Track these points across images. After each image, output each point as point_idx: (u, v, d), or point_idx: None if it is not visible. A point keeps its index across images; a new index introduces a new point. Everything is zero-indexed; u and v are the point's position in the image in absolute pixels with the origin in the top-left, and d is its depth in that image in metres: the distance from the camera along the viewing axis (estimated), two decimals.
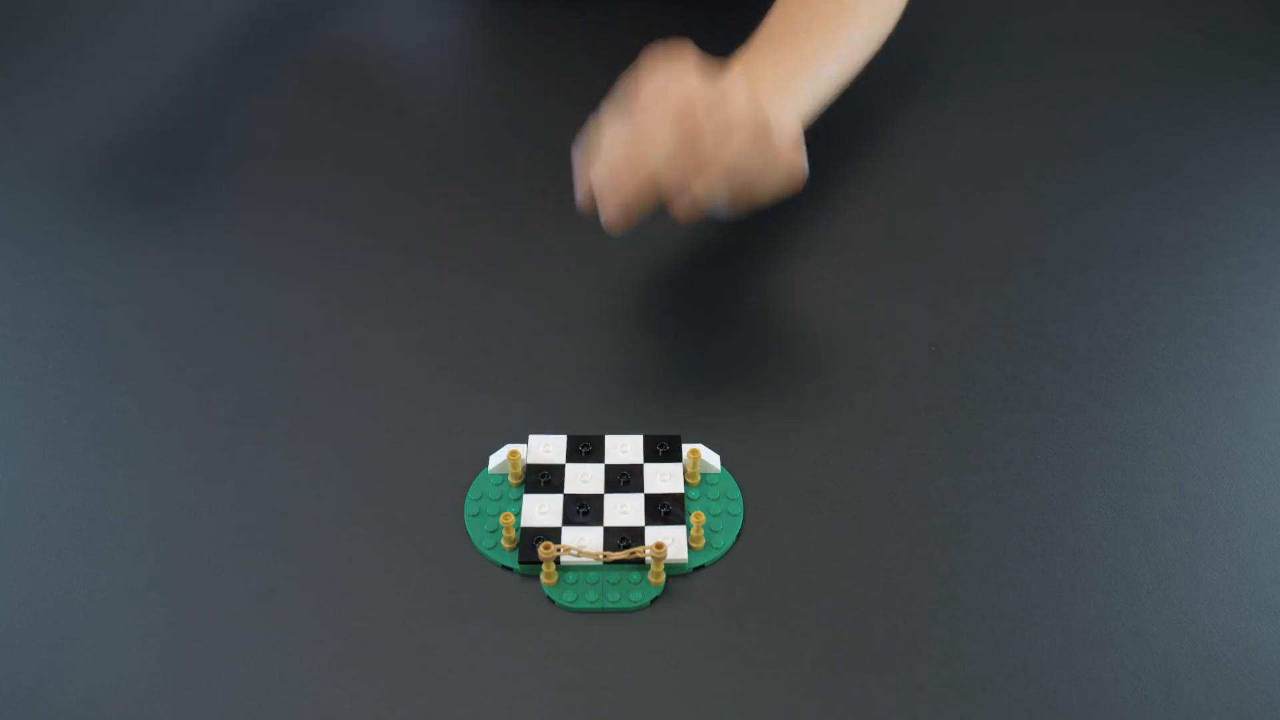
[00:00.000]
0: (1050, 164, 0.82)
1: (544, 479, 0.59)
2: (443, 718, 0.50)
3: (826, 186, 0.80)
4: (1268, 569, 0.56)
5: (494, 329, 0.69)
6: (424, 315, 0.70)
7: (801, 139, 0.59)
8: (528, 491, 0.58)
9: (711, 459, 0.60)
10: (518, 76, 0.91)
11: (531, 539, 0.56)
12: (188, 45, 0.95)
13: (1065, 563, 0.56)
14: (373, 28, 0.97)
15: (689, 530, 0.56)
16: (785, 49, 0.65)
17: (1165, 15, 0.99)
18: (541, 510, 0.57)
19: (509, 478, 0.59)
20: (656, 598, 0.54)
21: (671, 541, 0.56)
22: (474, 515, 0.58)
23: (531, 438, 0.61)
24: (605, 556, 0.55)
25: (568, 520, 0.57)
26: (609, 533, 0.56)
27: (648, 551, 0.55)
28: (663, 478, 0.59)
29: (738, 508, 0.58)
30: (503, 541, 0.56)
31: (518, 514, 0.58)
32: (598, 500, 0.58)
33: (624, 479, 0.59)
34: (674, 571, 0.55)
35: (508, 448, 0.59)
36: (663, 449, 0.61)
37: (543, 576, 0.54)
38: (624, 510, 0.58)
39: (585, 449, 0.61)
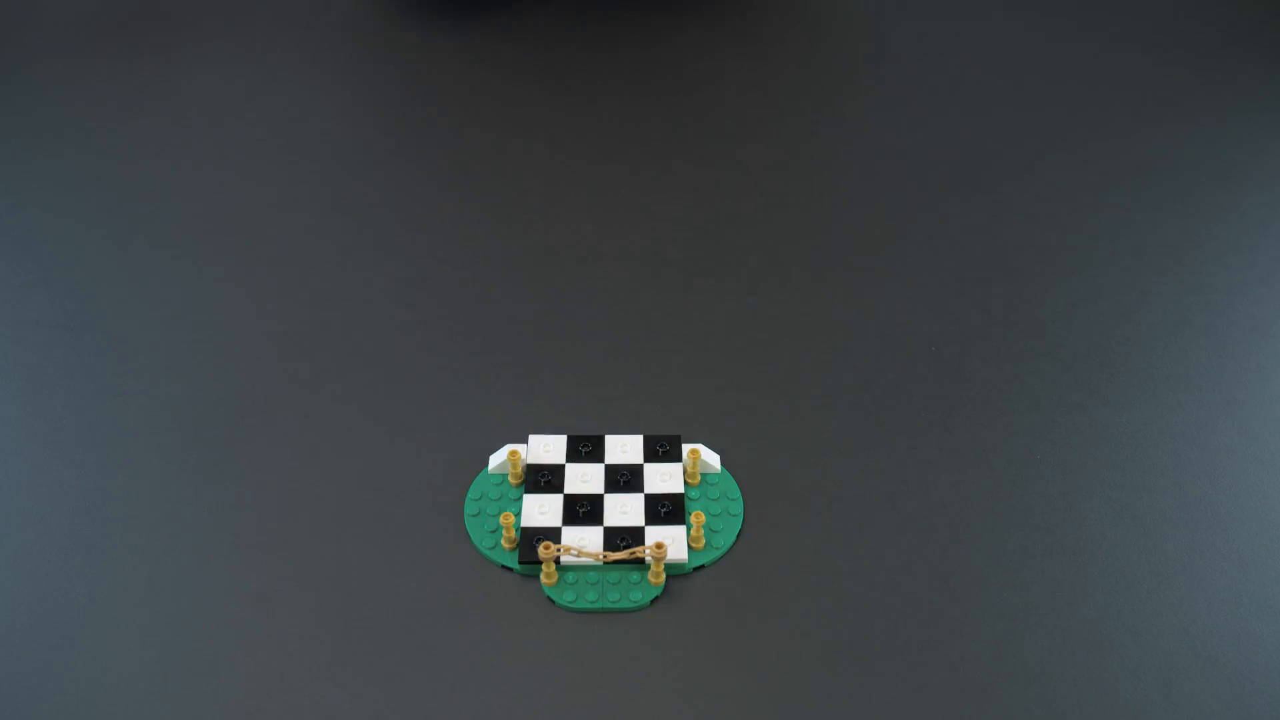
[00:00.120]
0: (1050, 164, 0.82)
1: (544, 479, 0.59)
2: (443, 718, 0.50)
3: (826, 186, 0.80)
4: (1268, 569, 0.56)
5: (494, 329, 0.69)
6: (424, 315, 0.70)
7: None
8: (528, 491, 0.58)
9: (711, 459, 0.60)
10: (517, 76, 0.91)
11: (531, 539, 0.56)
12: (188, 45, 0.95)
13: (1065, 563, 0.56)
14: (374, 27, 0.97)
15: (689, 530, 0.56)
16: None
17: (1165, 15, 0.99)
18: (541, 510, 0.57)
19: (509, 478, 0.59)
20: (656, 598, 0.54)
21: (671, 541, 0.56)
22: (474, 515, 0.58)
23: (531, 438, 0.61)
24: (605, 556, 0.55)
25: (568, 520, 0.57)
26: (609, 533, 0.56)
27: (648, 551, 0.55)
28: (663, 478, 0.59)
29: (738, 508, 0.58)
30: (503, 541, 0.56)
31: (518, 514, 0.58)
32: (598, 500, 0.58)
33: (624, 479, 0.59)
34: (674, 571, 0.55)
35: (508, 448, 0.59)
36: (663, 449, 0.61)
37: (543, 576, 0.54)
38: (624, 510, 0.58)
39: (585, 449, 0.61)
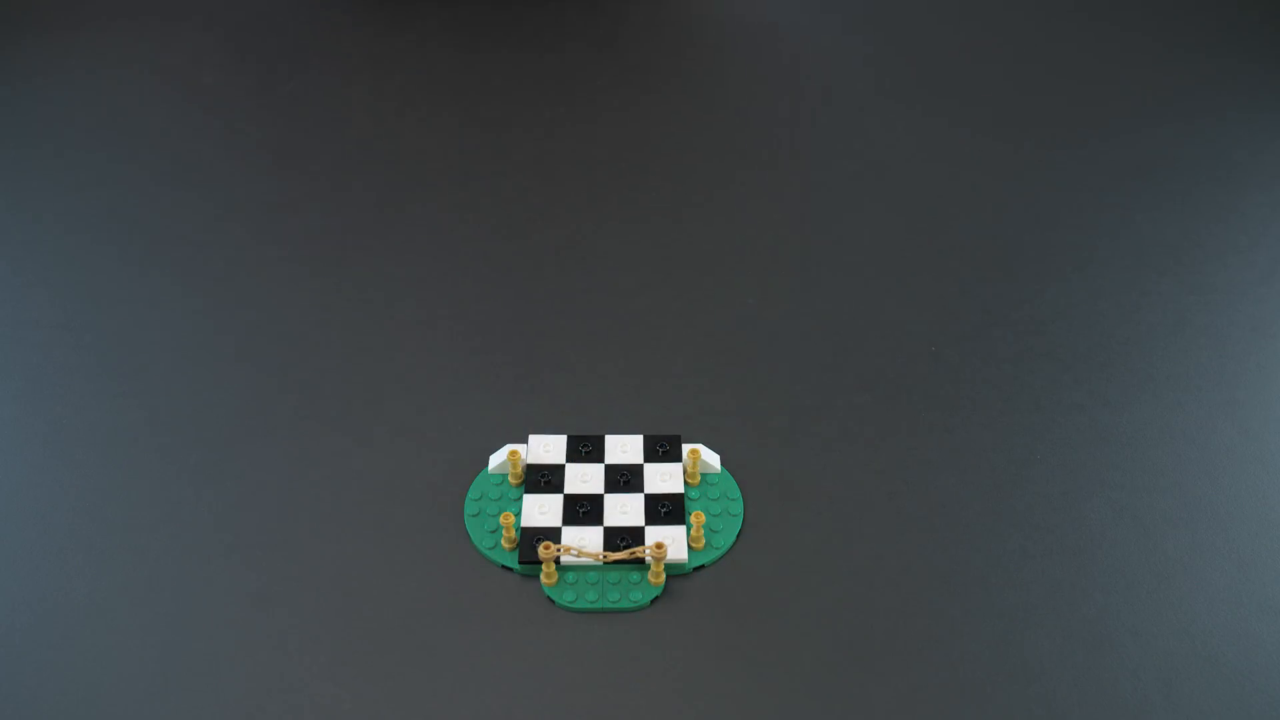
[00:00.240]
0: (1050, 164, 0.82)
1: (544, 479, 0.59)
2: (443, 718, 0.50)
3: (826, 187, 0.80)
4: (1268, 569, 0.56)
5: (494, 329, 0.69)
6: (424, 315, 0.70)
7: None
8: (528, 491, 0.58)
9: (711, 459, 0.60)
10: (516, 75, 0.91)
11: (531, 539, 0.56)
12: (187, 44, 0.95)
13: (1065, 563, 0.56)
14: (373, 26, 0.97)
15: (689, 530, 0.56)
16: None
17: (1165, 15, 0.99)
18: (541, 510, 0.57)
19: (509, 478, 0.59)
20: (656, 598, 0.54)
21: (671, 541, 0.55)
22: (474, 515, 0.58)
23: (531, 438, 0.61)
24: (605, 556, 0.55)
25: (568, 520, 0.57)
26: (609, 533, 0.56)
27: (648, 551, 0.55)
28: (663, 478, 0.59)
29: (738, 508, 0.58)
30: (503, 541, 0.56)
31: (518, 514, 0.58)
32: (598, 500, 0.58)
33: (624, 479, 0.59)
34: (674, 571, 0.55)
35: (508, 448, 0.59)
36: (663, 449, 0.61)
37: (543, 576, 0.54)
38: (624, 510, 0.58)
39: (585, 449, 0.61)
